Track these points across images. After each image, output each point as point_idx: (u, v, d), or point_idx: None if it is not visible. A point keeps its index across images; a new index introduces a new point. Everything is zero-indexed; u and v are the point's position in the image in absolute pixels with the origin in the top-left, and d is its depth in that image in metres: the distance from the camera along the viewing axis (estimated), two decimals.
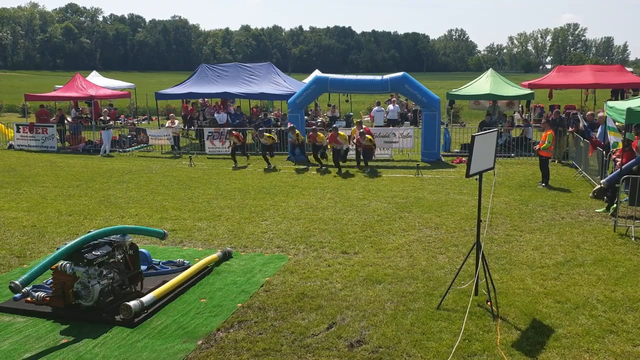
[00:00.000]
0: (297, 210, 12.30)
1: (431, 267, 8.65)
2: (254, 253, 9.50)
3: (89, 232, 7.55)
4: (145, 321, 6.96)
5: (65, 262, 6.99)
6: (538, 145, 14.72)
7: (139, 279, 7.80)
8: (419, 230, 10.65)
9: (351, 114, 28.95)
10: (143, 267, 8.19)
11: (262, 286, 7.99)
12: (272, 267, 8.75)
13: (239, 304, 7.40)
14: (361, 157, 17.61)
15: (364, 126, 18.55)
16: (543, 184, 14.36)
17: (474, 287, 7.25)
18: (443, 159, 18.86)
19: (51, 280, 7.33)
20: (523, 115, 24.69)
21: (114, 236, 7.53)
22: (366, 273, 8.41)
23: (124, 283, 7.54)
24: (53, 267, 7.05)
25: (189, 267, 8.48)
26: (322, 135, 17.76)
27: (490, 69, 23.93)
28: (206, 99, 28.11)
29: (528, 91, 21.70)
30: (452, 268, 8.51)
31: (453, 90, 22.76)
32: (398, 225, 10.96)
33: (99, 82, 29.77)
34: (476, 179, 7.03)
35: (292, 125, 18.55)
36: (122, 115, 31.41)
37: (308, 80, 24.40)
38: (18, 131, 23.22)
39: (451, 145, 20.85)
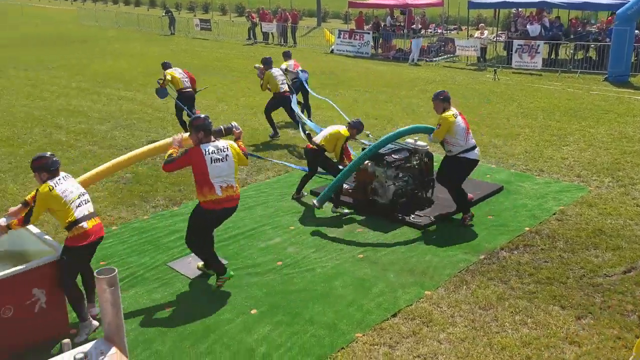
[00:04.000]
0: (607, 138, 11.03)
1: None
2: (550, 179, 8.98)
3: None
4: (432, 227, 7.34)
5: (368, 161, 7.76)
6: None
7: (431, 186, 8.17)
8: None
9: None
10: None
11: (554, 214, 7.58)
12: (568, 196, 8.18)
13: (527, 228, 7.21)
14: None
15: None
16: None
17: None
18: None
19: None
20: None
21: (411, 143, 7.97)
22: None
23: (417, 188, 8.00)
24: None
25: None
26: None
27: None
28: (520, 9, 26.29)
29: None
30: None
31: None
32: None
33: None
34: None
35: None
36: (432, 24, 31.62)
37: None
38: (339, 37, 25.47)
39: None
